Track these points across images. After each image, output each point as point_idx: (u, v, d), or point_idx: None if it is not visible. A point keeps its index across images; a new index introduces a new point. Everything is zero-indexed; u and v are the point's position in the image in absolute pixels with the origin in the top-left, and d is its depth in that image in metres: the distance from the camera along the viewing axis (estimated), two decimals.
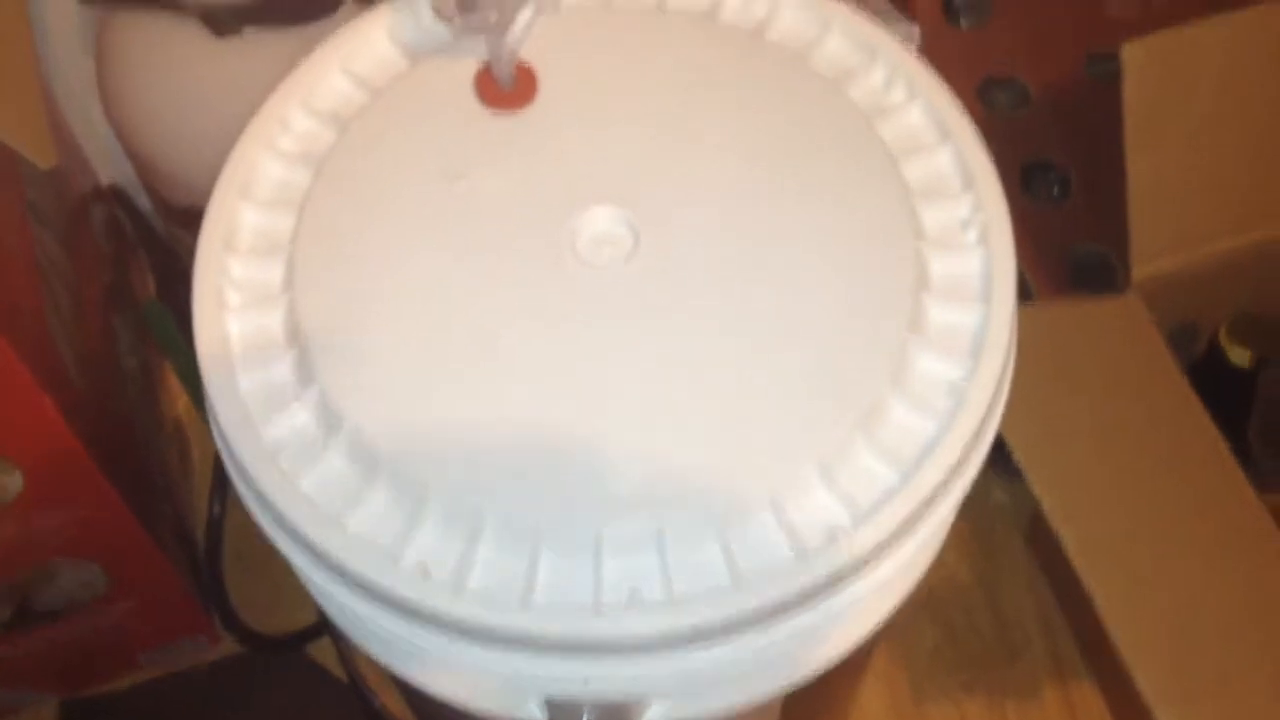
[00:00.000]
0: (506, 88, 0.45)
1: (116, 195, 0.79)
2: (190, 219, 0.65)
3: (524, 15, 0.43)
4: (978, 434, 0.39)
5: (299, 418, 0.40)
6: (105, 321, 0.71)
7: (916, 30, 0.67)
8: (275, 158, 0.45)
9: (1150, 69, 0.51)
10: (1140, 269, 0.55)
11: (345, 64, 0.47)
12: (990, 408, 0.40)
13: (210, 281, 0.42)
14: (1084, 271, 0.66)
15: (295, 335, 0.41)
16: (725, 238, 0.42)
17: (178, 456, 0.80)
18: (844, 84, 0.46)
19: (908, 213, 0.43)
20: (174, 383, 0.82)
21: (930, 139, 0.45)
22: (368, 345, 0.41)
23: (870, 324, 0.41)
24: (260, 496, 0.40)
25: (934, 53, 0.71)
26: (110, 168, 0.81)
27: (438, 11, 0.41)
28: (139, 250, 0.82)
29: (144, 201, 0.78)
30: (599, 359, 0.40)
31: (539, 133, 0.45)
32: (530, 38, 0.45)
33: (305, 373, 0.40)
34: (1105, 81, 0.71)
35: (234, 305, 0.42)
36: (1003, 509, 0.68)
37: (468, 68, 0.46)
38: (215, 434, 0.42)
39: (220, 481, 0.77)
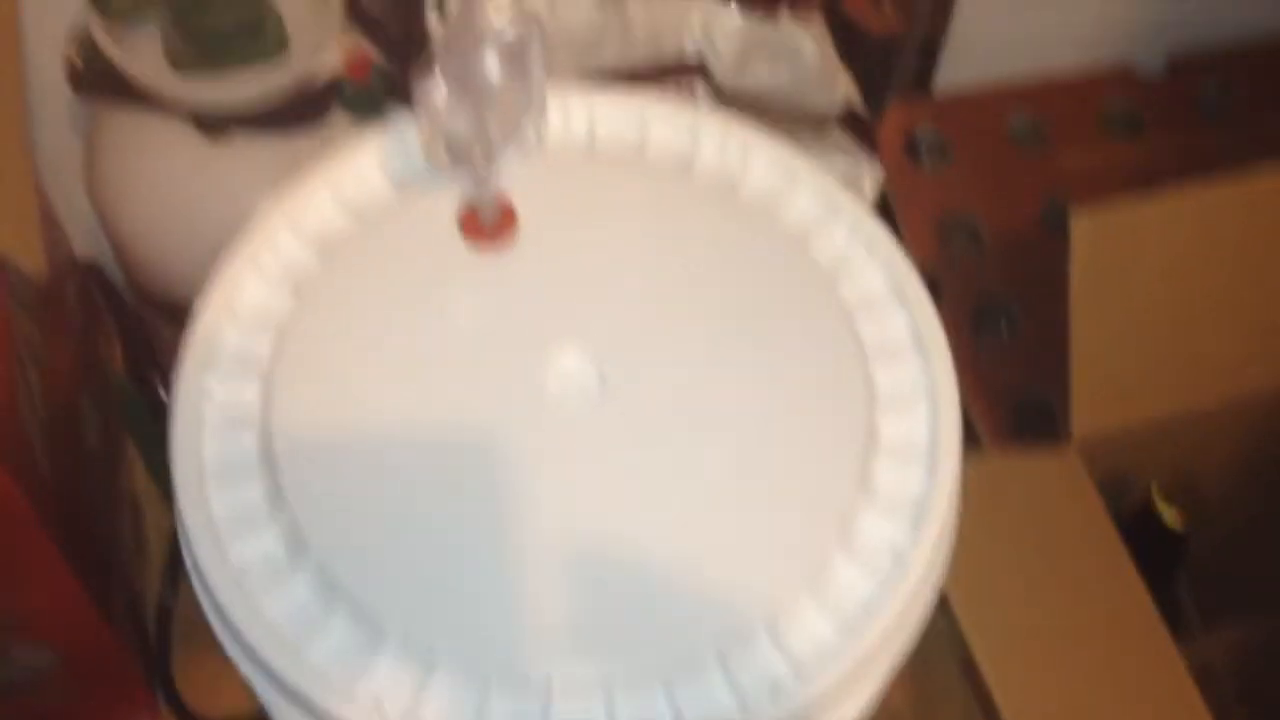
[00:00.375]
0: (488, 226, 0.47)
1: (91, 270, 0.80)
2: (166, 308, 0.67)
3: (507, 159, 0.45)
4: (917, 594, 0.41)
5: (267, 541, 0.41)
6: (72, 397, 0.71)
7: (880, 168, 0.70)
8: (259, 279, 0.46)
9: (1097, 239, 0.53)
10: (1080, 425, 0.58)
11: (334, 189, 0.49)
12: (930, 568, 0.42)
13: (189, 399, 0.44)
14: (1028, 412, 0.69)
15: (268, 459, 0.42)
16: (686, 387, 0.44)
17: (132, 530, 0.80)
18: (807, 240, 0.48)
19: (861, 373, 0.45)
20: (133, 456, 0.83)
21: (886, 301, 0.47)
22: (338, 475, 0.42)
23: (820, 482, 0.42)
24: (223, 616, 0.41)
25: (896, 190, 0.75)
26: (87, 242, 0.82)
27: (428, 156, 0.43)
28: (107, 321, 0.83)
29: (117, 274, 0.80)
30: (559, 502, 0.42)
31: (516, 272, 0.47)
32: (514, 176, 0.47)
33: (276, 497, 0.42)
34: (1058, 229, 0.74)
35: (211, 424, 0.43)
36: (940, 635, 0.70)
37: (452, 201, 0.48)
38: (184, 549, 0.43)
39: (173, 566, 0.78)
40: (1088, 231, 0.53)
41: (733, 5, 0.68)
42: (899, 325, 0.46)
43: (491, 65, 0.41)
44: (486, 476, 0.42)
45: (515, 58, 0.42)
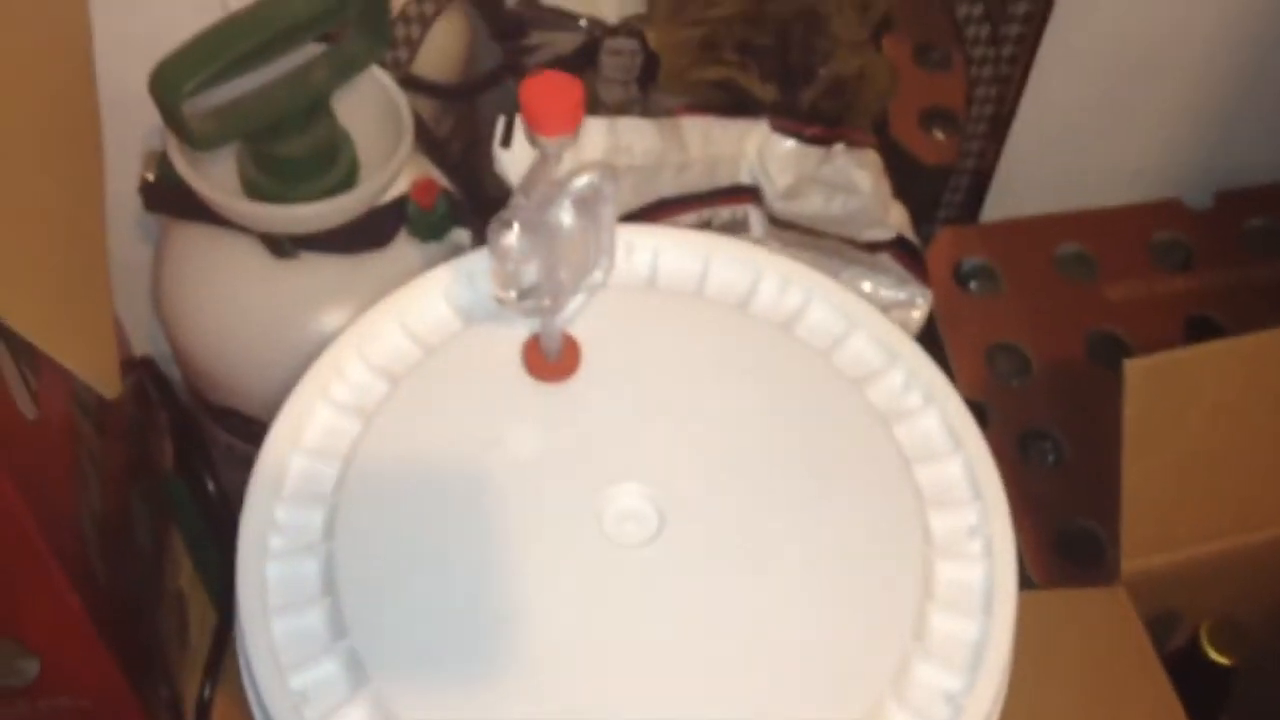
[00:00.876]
0: (552, 361, 0.48)
1: (147, 367, 0.82)
2: (223, 416, 0.68)
3: (574, 301, 0.46)
4: None
5: (327, 669, 0.42)
6: (125, 497, 0.72)
7: (929, 294, 0.71)
8: (328, 406, 0.48)
9: (1149, 386, 0.54)
10: (1129, 564, 0.58)
11: (402, 319, 0.50)
12: (987, 717, 0.42)
13: (255, 525, 0.45)
14: (1072, 540, 0.69)
15: (331, 586, 0.43)
16: (744, 528, 0.45)
17: (176, 625, 0.81)
18: (864, 384, 0.49)
19: (918, 518, 0.45)
20: (179, 551, 0.84)
21: (943, 447, 0.48)
22: (399, 605, 0.43)
23: (875, 629, 0.43)
24: None
25: (945, 316, 0.76)
26: (143, 339, 0.84)
27: (498, 298, 0.44)
28: (160, 418, 0.84)
29: (172, 371, 0.81)
30: (617, 642, 0.42)
31: (577, 406, 0.48)
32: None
33: (337, 625, 0.42)
34: (1105, 360, 0.75)
35: (275, 550, 0.44)
36: None
37: (517, 334, 0.49)
38: (244, 674, 0.43)
39: (215, 661, 0.78)
40: (1141, 378, 0.54)
41: (788, 134, 0.70)
42: (955, 470, 0.47)
43: (565, 214, 0.43)
44: (545, 612, 0.43)
45: (587, 206, 0.43)
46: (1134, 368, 0.54)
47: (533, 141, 0.42)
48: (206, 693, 0.77)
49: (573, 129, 0.42)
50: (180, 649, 0.80)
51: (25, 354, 0.52)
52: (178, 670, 0.78)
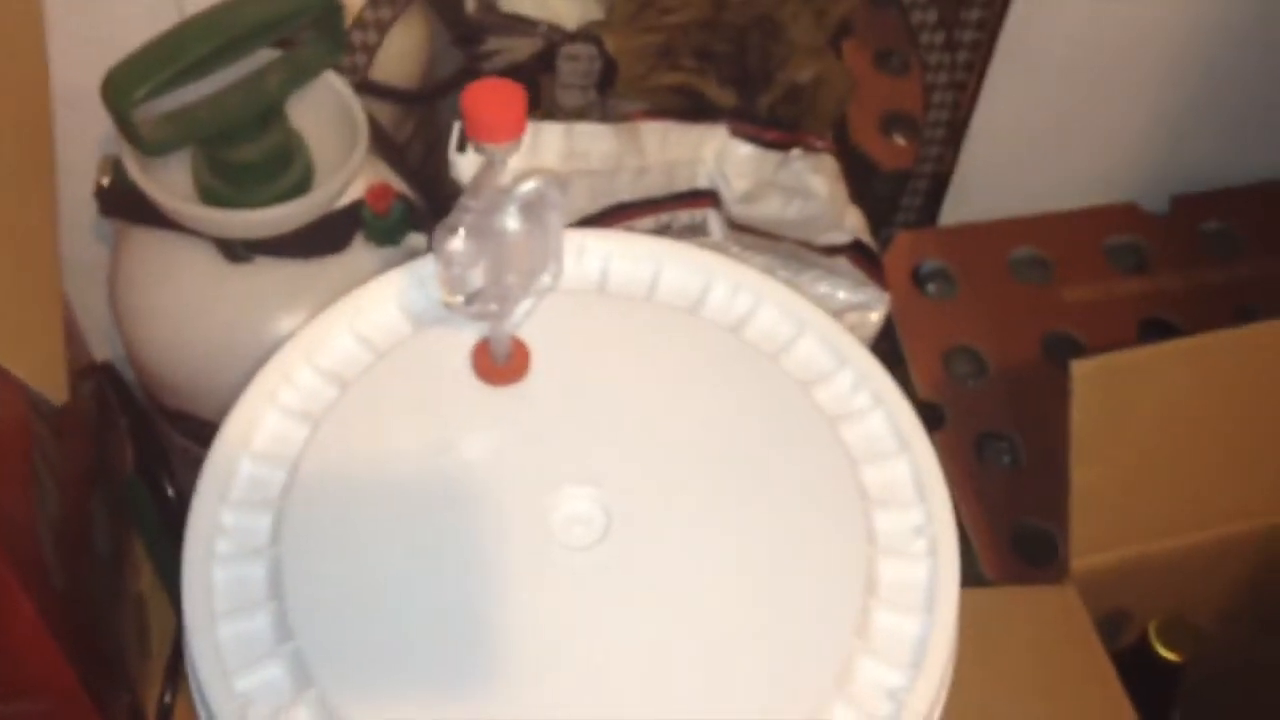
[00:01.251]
0: (501, 365, 0.48)
1: (107, 371, 0.82)
2: (179, 419, 0.68)
3: (523, 306, 0.47)
4: None
5: (271, 672, 0.42)
6: (83, 501, 0.72)
7: (887, 297, 0.71)
8: (276, 410, 0.48)
9: (1097, 387, 0.55)
10: (1078, 562, 0.58)
11: (352, 324, 0.50)
12: (929, 713, 0.43)
13: (202, 529, 0.45)
14: (1027, 540, 0.70)
15: (277, 590, 0.43)
16: (691, 528, 0.45)
17: (136, 630, 0.81)
18: (812, 386, 0.50)
19: (863, 517, 0.46)
20: (140, 556, 0.83)
21: (890, 447, 0.48)
22: (345, 609, 0.43)
23: (819, 627, 0.43)
24: None
25: (903, 319, 0.76)
26: (102, 343, 0.84)
27: (446, 302, 0.44)
28: (119, 422, 0.84)
29: (132, 375, 0.81)
30: (561, 641, 0.42)
31: (526, 409, 0.48)
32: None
33: (283, 629, 0.43)
34: (1060, 362, 0.76)
35: (222, 554, 0.44)
36: None
37: (467, 339, 0.49)
38: (190, 677, 0.44)
39: (174, 666, 0.78)
40: (1088, 379, 0.55)
41: (746, 139, 0.70)
42: (901, 471, 0.47)
43: (511, 219, 0.43)
44: (490, 613, 0.43)
45: (534, 211, 0.44)
46: (1081, 369, 0.55)
47: (478, 149, 0.43)
48: (167, 698, 0.77)
49: (515, 136, 0.42)
50: (141, 654, 0.80)
51: None
52: (138, 675, 0.78)
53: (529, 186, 0.43)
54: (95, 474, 0.76)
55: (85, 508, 0.72)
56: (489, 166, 0.43)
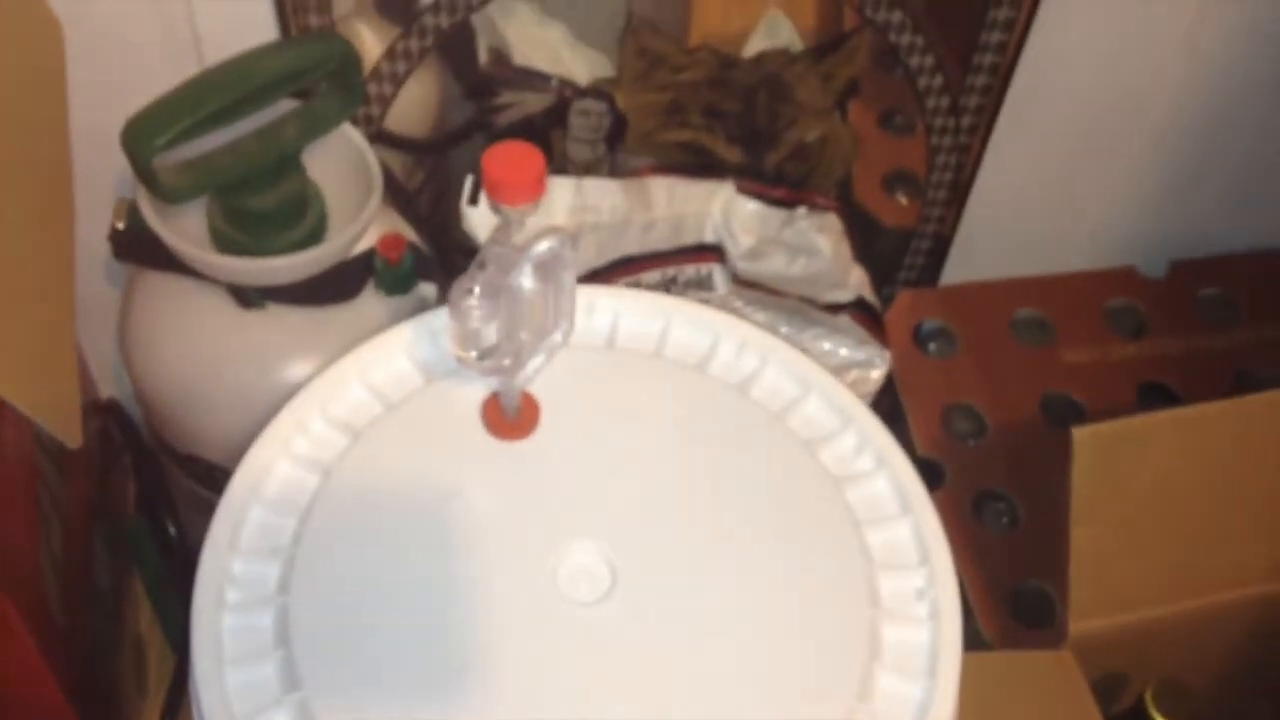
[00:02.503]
0: (510, 419, 0.49)
1: (112, 409, 0.82)
2: (187, 462, 0.68)
3: (534, 361, 0.47)
4: None
5: None
6: (86, 539, 0.73)
7: (889, 355, 0.72)
8: (288, 459, 0.48)
9: (1097, 453, 0.55)
10: (1076, 626, 0.59)
11: (364, 375, 0.51)
12: None
13: (212, 577, 0.45)
14: (1025, 600, 0.70)
15: (284, 638, 0.44)
16: (694, 588, 0.46)
17: (134, 668, 0.81)
18: (817, 447, 0.50)
19: (866, 580, 0.46)
20: (139, 595, 0.83)
21: (893, 510, 0.49)
22: (353, 660, 0.43)
23: (821, 690, 0.44)
24: None
25: (904, 377, 0.77)
26: (108, 381, 0.84)
27: (458, 357, 0.45)
28: (123, 461, 0.84)
29: (137, 413, 0.81)
30: (567, 699, 0.43)
31: (535, 464, 0.49)
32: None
33: (290, 677, 0.43)
34: (1058, 423, 0.76)
35: (231, 603, 0.45)
36: None
37: (477, 392, 0.50)
38: None
39: (173, 705, 0.78)
40: (1089, 446, 0.55)
41: (753, 196, 0.71)
42: (904, 534, 0.48)
43: (525, 278, 0.44)
44: (496, 668, 0.43)
45: (548, 270, 0.44)
46: (1082, 435, 0.55)
47: (495, 209, 0.44)
48: None
49: (534, 199, 0.43)
50: (138, 693, 0.80)
51: None
52: (134, 714, 0.78)
53: (544, 246, 0.44)
54: (98, 511, 0.76)
55: (88, 545, 0.72)
56: (505, 225, 0.44)
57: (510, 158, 0.42)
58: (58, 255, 0.57)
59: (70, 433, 0.52)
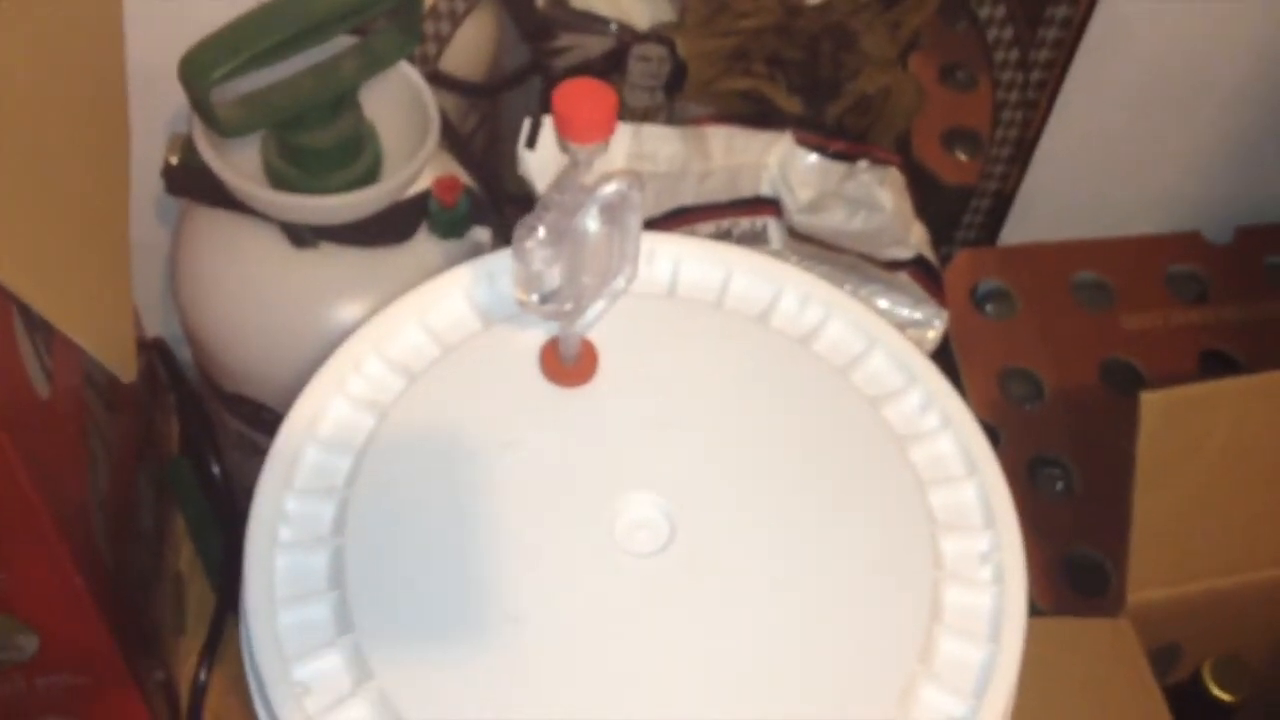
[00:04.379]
0: (569, 365, 0.48)
1: (158, 347, 0.82)
2: (235, 402, 0.68)
3: (596, 307, 0.46)
4: None
5: (330, 662, 0.42)
6: (131, 477, 0.72)
7: (946, 314, 0.71)
8: (344, 399, 0.47)
9: (1165, 419, 0.54)
10: (1135, 595, 0.58)
11: (422, 316, 0.50)
12: None
13: (265, 515, 0.45)
14: (1078, 567, 0.69)
15: (338, 580, 0.43)
16: (755, 541, 0.45)
17: (174, 610, 0.81)
18: (881, 404, 0.49)
19: (929, 542, 0.45)
20: (180, 534, 0.84)
21: (958, 471, 0.48)
22: (406, 604, 0.42)
23: (882, 650, 0.43)
24: None
25: (960, 338, 0.76)
26: (154, 321, 0.84)
27: (520, 299, 0.44)
28: (167, 400, 0.84)
29: (182, 353, 0.81)
30: (621, 650, 0.42)
31: (592, 411, 0.48)
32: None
33: (343, 620, 0.42)
34: (1118, 388, 0.75)
35: (284, 541, 0.44)
36: None
37: (535, 337, 0.49)
38: (246, 662, 0.43)
39: (212, 645, 0.78)
40: (1157, 412, 0.54)
41: (811, 149, 0.70)
42: (969, 495, 0.47)
43: (591, 220, 0.43)
44: (552, 616, 0.42)
45: (614, 213, 0.43)
46: (1149, 401, 0.54)
47: (563, 147, 0.42)
48: (202, 676, 0.77)
49: (605, 137, 0.42)
50: (176, 632, 0.80)
51: (40, 331, 0.52)
52: (173, 653, 0.78)
53: (612, 188, 0.43)
54: (142, 450, 0.76)
55: (133, 484, 0.72)
56: (573, 166, 0.43)
57: (582, 95, 0.41)
58: (114, 191, 0.56)
59: (125, 368, 0.51)
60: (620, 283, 0.46)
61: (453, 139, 0.68)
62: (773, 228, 0.71)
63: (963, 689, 0.42)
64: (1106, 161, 0.80)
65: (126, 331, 0.54)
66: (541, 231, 0.42)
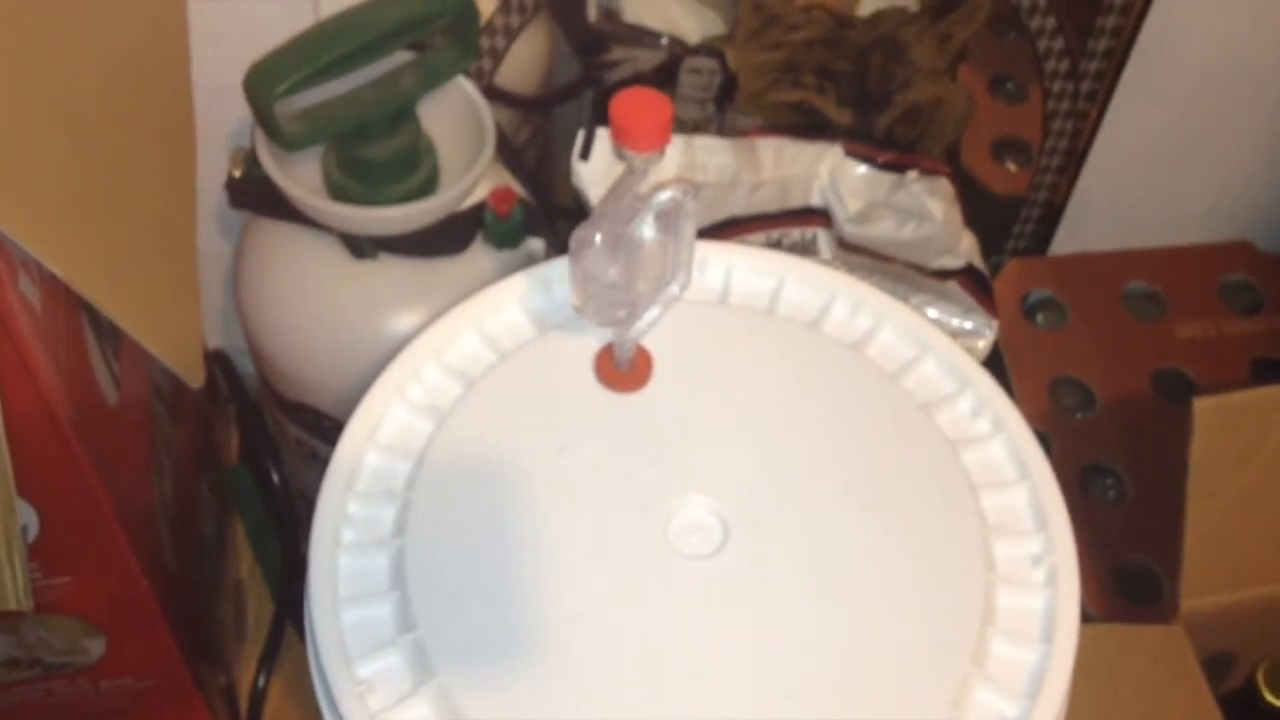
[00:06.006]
0: (624, 371, 0.49)
1: (218, 358, 0.84)
2: (295, 410, 0.69)
3: (650, 314, 0.47)
4: None
5: (392, 661, 0.43)
6: (193, 485, 0.74)
7: (996, 324, 0.71)
8: (403, 404, 0.49)
9: (1218, 425, 0.54)
10: (1188, 602, 0.58)
11: (478, 324, 0.51)
12: None
13: (329, 517, 0.46)
14: (1131, 579, 0.69)
15: (399, 580, 0.44)
16: (808, 544, 0.45)
17: (234, 616, 0.82)
18: (933, 409, 0.49)
19: (981, 544, 0.46)
20: (240, 542, 0.85)
21: (1010, 475, 0.48)
22: (466, 603, 0.43)
23: (934, 651, 0.43)
24: None
25: (1010, 348, 0.76)
26: (216, 332, 0.86)
27: (576, 305, 0.45)
28: (227, 410, 0.86)
29: (242, 364, 0.83)
30: (677, 651, 0.43)
31: (647, 416, 0.48)
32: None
33: (405, 619, 0.43)
34: (1171, 398, 0.75)
35: (347, 542, 0.45)
36: None
37: (589, 344, 0.50)
38: (311, 661, 0.44)
39: (271, 651, 0.80)
40: (1210, 418, 0.54)
41: (861, 159, 0.70)
42: (1021, 499, 0.47)
43: (647, 227, 0.43)
44: (609, 616, 0.43)
45: (669, 220, 0.44)
46: (1203, 406, 0.54)
47: (620, 155, 0.43)
48: (261, 682, 0.78)
49: (661, 146, 0.43)
50: (236, 638, 0.81)
51: (109, 338, 0.54)
52: (234, 658, 0.80)
53: (667, 195, 0.44)
54: (204, 459, 0.78)
55: (195, 493, 0.74)
56: (628, 174, 0.44)
57: (638, 104, 0.42)
58: (182, 202, 0.58)
59: (194, 374, 0.53)
60: (675, 289, 0.47)
61: (506, 151, 0.69)
62: (822, 238, 0.72)
63: (1016, 690, 0.43)
64: (1157, 171, 0.80)
65: (195, 339, 0.55)
66: (599, 239, 0.43)
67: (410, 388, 0.49)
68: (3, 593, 0.44)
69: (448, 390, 0.49)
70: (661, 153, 0.43)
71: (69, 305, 0.48)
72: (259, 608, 0.84)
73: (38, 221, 0.41)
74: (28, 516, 0.49)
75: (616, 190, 0.44)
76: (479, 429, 0.48)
